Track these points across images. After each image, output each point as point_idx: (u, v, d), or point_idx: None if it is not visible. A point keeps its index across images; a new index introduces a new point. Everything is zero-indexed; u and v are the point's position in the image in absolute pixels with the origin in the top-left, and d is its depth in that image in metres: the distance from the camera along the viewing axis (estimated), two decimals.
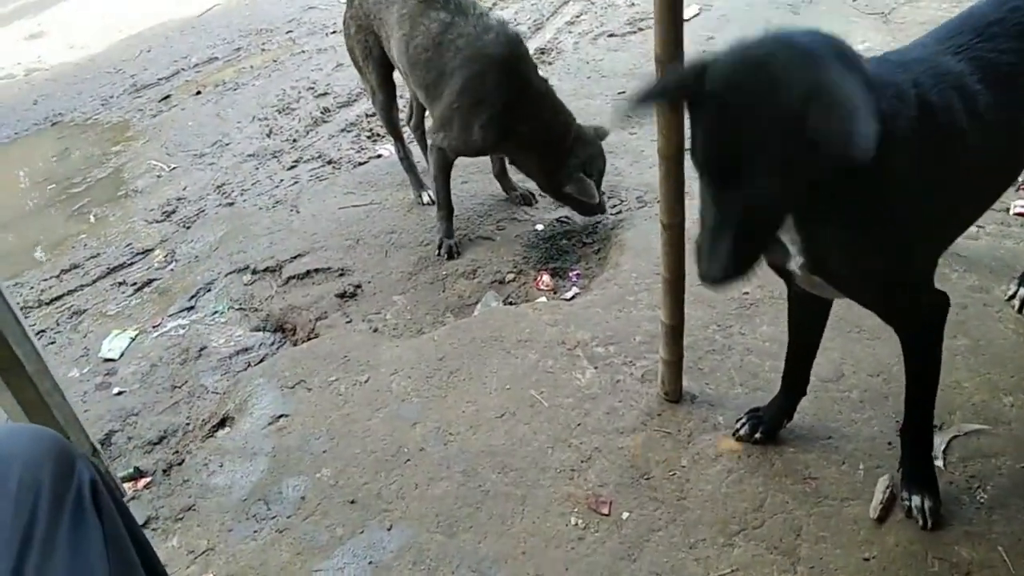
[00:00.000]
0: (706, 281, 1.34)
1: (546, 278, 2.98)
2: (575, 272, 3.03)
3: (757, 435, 2.04)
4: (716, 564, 1.80)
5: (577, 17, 5.17)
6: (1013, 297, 2.36)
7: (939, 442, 1.99)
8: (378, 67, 3.27)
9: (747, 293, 2.53)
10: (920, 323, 1.68)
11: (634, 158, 3.62)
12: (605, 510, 1.95)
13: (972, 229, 2.73)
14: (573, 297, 2.81)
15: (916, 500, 1.81)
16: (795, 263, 1.53)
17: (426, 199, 3.46)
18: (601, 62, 4.60)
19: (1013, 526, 1.79)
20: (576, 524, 1.93)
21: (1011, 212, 2.77)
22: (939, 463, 1.94)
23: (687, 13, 4.96)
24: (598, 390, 2.28)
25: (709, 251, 1.29)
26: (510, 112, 2.81)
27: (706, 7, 5.04)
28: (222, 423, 2.44)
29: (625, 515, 1.93)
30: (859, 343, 2.29)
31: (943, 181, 1.48)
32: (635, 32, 4.91)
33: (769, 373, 2.24)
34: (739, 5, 4.99)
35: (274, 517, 2.06)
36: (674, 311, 1.97)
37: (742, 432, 2.05)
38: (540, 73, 2.98)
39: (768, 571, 1.77)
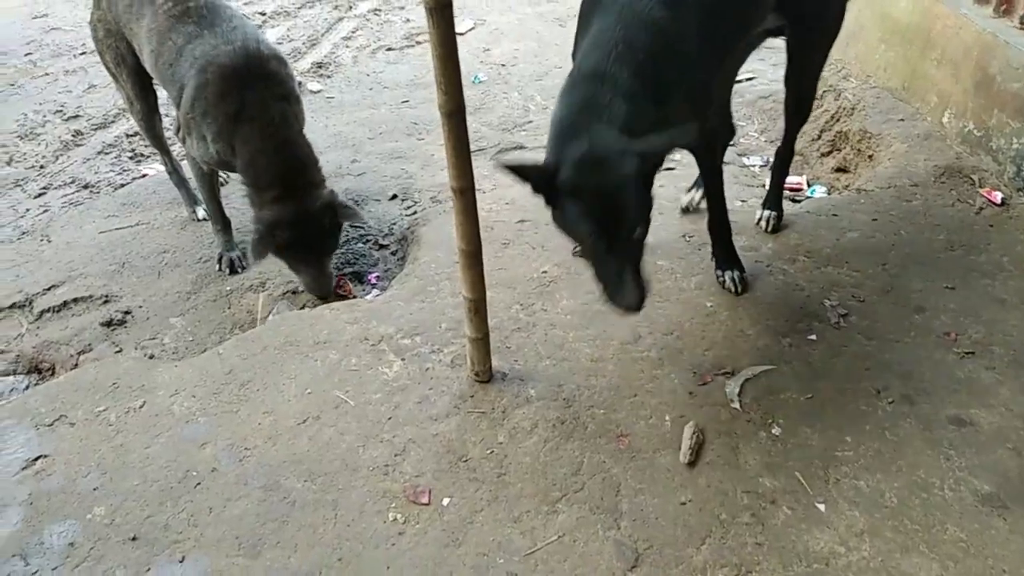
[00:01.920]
0: (632, 310, 1.81)
1: (347, 285, 2.82)
2: (374, 275, 2.91)
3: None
4: (542, 533, 1.75)
5: (353, 33, 5.08)
6: (760, 220, 2.74)
7: (733, 386, 2.10)
8: (133, 75, 2.95)
9: (546, 271, 2.55)
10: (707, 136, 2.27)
11: (424, 162, 3.57)
12: (425, 499, 1.83)
13: (737, 203, 2.97)
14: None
15: (728, 274, 2.41)
16: None
17: (201, 214, 3.17)
18: (382, 74, 4.54)
19: (805, 452, 1.91)
20: (395, 519, 1.80)
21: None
22: (735, 405, 2.04)
23: (463, 27, 5.09)
24: (407, 381, 2.16)
25: (626, 286, 1.77)
26: (237, 128, 2.52)
27: (479, 21, 5.17)
28: None
29: (446, 501, 1.83)
30: (651, 307, 2.36)
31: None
32: (413, 46, 4.91)
33: (573, 343, 2.25)
34: (511, 19, 5.17)
35: (35, 572, 1.72)
36: (475, 284, 1.91)
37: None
38: (294, 95, 2.66)
39: (593, 531, 1.75)
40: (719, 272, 2.44)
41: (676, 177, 3.11)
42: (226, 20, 2.62)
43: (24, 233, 3.25)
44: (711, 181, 2.39)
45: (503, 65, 4.55)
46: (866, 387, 2.07)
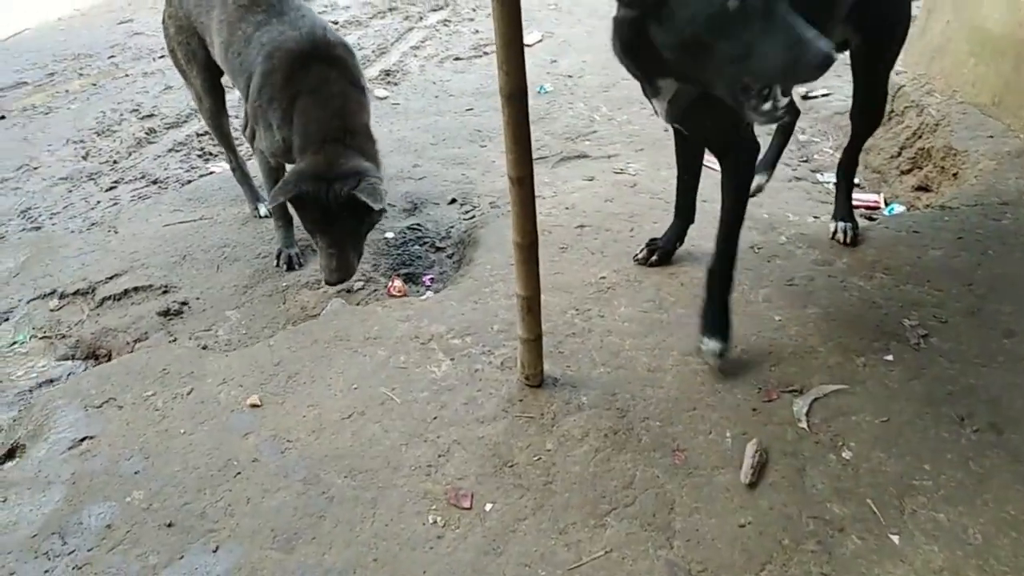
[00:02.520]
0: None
1: (398, 283, 2.78)
2: (428, 277, 2.87)
3: (653, 258, 2.48)
4: (588, 547, 1.64)
5: (422, 42, 5.12)
6: (836, 233, 2.58)
7: (802, 404, 1.96)
8: (203, 71, 3.00)
9: (604, 277, 2.46)
10: (742, 151, 1.99)
11: (485, 168, 3.53)
12: (466, 504, 1.75)
13: (810, 219, 2.84)
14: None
15: (709, 343, 2.06)
16: (662, 117, 1.96)
17: (263, 211, 3.19)
18: (448, 82, 4.54)
19: (879, 478, 1.76)
20: (435, 522, 1.72)
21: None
22: (803, 425, 1.90)
23: (530, 39, 5.07)
24: (455, 382, 2.09)
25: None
26: (297, 104, 2.49)
27: (548, 34, 5.14)
28: (10, 454, 2.04)
29: (488, 507, 1.74)
30: None
31: None
32: (480, 56, 4.91)
33: (630, 351, 2.15)
34: (579, 32, 5.13)
35: (71, 552, 1.70)
36: (529, 281, 1.83)
37: (639, 256, 2.50)
38: (359, 84, 2.62)
39: (643, 548, 1.63)
40: (700, 337, 2.08)
41: None
42: (294, 9, 2.64)
43: (93, 224, 3.33)
44: (730, 207, 2.02)
45: (569, 76, 4.50)
46: (948, 413, 1.90)
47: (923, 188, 3.15)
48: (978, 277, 2.35)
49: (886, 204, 3.12)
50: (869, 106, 2.42)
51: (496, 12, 1.45)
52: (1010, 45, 3.01)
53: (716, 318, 2.07)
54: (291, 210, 2.82)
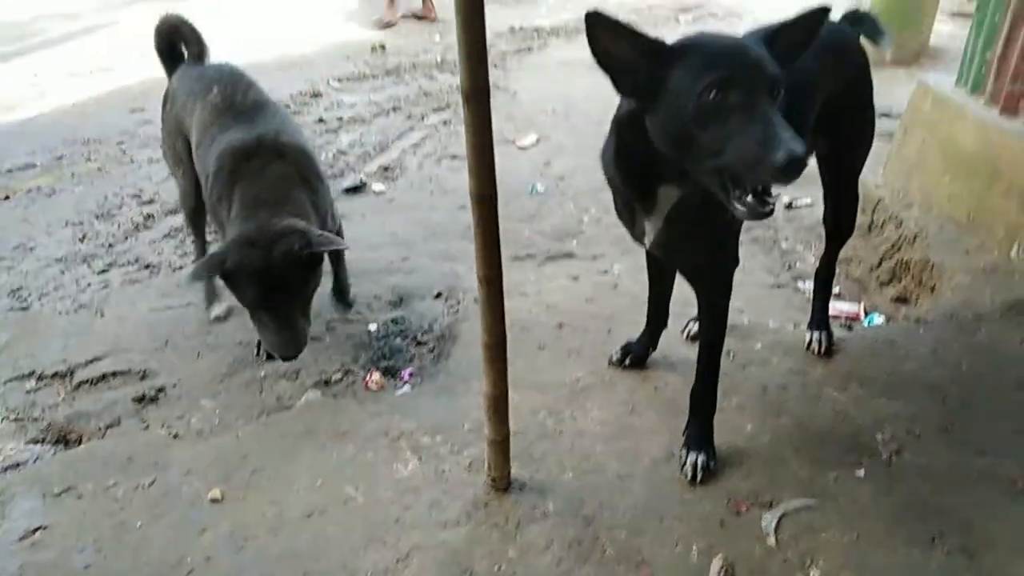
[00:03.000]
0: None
1: (376, 377, 2.78)
2: (408, 371, 2.86)
3: (626, 361, 2.50)
4: None
5: (421, 140, 5.28)
6: (811, 343, 2.59)
7: (770, 519, 1.92)
8: (188, 171, 2.99)
9: (579, 378, 2.46)
10: (724, 288, 2.02)
11: (473, 264, 3.57)
12: None
13: (789, 326, 2.86)
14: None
15: (692, 457, 2.05)
16: (647, 241, 1.95)
17: (215, 313, 3.15)
18: (444, 179, 4.66)
19: None
20: None
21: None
22: (771, 541, 1.87)
23: (527, 141, 5.24)
24: (420, 482, 2.07)
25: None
26: (240, 193, 2.44)
27: (544, 137, 5.31)
28: None
29: None
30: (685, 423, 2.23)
31: None
32: None
33: (600, 456, 2.13)
34: (573, 136, 5.29)
35: None
36: (496, 380, 1.83)
37: (615, 358, 2.52)
38: (310, 176, 2.60)
39: None
40: (684, 451, 2.08)
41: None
42: (266, 116, 2.68)
43: (81, 306, 3.36)
44: (710, 334, 2.07)
45: (561, 178, 4.63)
46: (919, 533, 1.87)
47: (902, 299, 3.18)
48: (952, 392, 2.35)
49: (866, 314, 3.15)
50: (840, 213, 2.48)
51: (467, 120, 1.52)
52: (981, 163, 3.11)
53: (701, 435, 2.09)
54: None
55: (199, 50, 3.04)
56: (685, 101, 1.48)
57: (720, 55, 1.49)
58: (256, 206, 2.38)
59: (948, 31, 6.75)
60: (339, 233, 2.91)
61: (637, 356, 2.51)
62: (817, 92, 2.10)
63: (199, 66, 3.00)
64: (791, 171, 1.38)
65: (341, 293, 3.21)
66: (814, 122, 2.13)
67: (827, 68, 2.10)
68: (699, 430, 2.09)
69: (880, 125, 5.15)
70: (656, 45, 1.53)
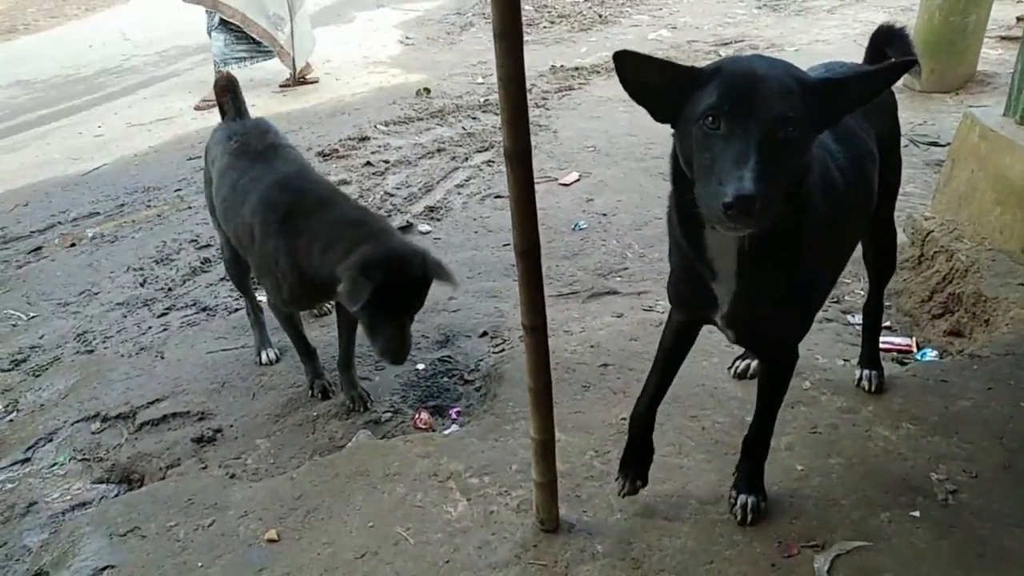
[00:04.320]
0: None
1: (424, 416, 2.83)
2: (455, 410, 2.91)
3: (638, 485, 2.09)
4: None
5: (466, 181, 5.38)
6: (861, 380, 2.54)
7: (823, 561, 1.90)
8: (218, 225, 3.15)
9: (625, 418, 2.46)
10: (793, 355, 1.94)
11: (516, 302, 3.63)
12: None
13: (839, 362, 2.83)
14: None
15: (743, 499, 2.01)
16: (719, 315, 1.75)
17: (264, 358, 3.22)
18: (488, 219, 4.74)
19: None
20: None
21: None
22: None
23: (568, 179, 5.31)
24: (470, 523, 2.10)
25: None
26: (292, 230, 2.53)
27: (586, 174, 5.37)
28: None
29: None
30: (735, 463, 2.22)
31: (838, 236, 1.79)
32: None
33: (648, 497, 2.13)
34: (616, 173, 5.34)
35: None
36: (543, 424, 1.87)
37: (626, 491, 2.08)
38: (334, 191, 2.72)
39: None
40: (733, 492, 2.05)
41: None
42: (280, 159, 2.78)
43: (143, 349, 3.50)
44: (769, 402, 2.00)
45: (604, 214, 4.67)
46: None
47: (955, 333, 3.12)
48: (1009, 430, 2.29)
49: (918, 348, 3.09)
50: (880, 252, 2.46)
51: (510, 179, 1.58)
52: None
53: (752, 476, 2.06)
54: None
55: (237, 109, 3.12)
56: (691, 125, 1.43)
57: (732, 80, 1.39)
58: (357, 227, 2.44)
59: (996, 56, 6.64)
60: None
61: (643, 477, 2.10)
62: (874, 124, 2.07)
63: (232, 123, 3.08)
64: (734, 214, 1.27)
65: (349, 384, 2.95)
66: None
67: (880, 102, 2.08)
68: (750, 472, 2.06)
69: (929, 155, 5.10)
70: (684, 69, 1.46)
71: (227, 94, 3.12)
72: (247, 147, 2.84)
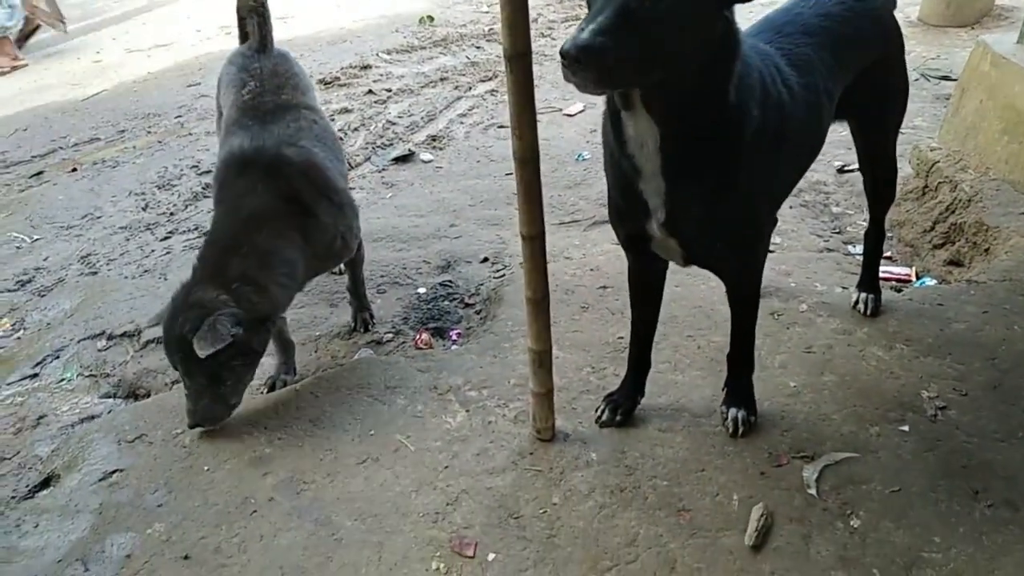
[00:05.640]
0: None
1: (425, 336, 2.87)
2: (455, 332, 2.94)
3: (617, 418, 2.13)
4: None
5: (469, 110, 5.33)
6: (857, 303, 2.57)
7: (812, 471, 1.95)
8: None
9: (622, 337, 2.50)
10: (756, 272, 1.95)
11: (517, 230, 3.63)
12: (470, 552, 1.79)
13: (838, 289, 2.85)
14: None
15: (733, 412, 2.08)
16: (655, 223, 1.72)
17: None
18: (490, 148, 4.71)
19: (886, 549, 1.74)
20: (437, 569, 1.76)
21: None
22: (812, 491, 1.90)
23: (573, 110, 5.25)
24: (468, 432, 2.15)
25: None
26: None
27: (590, 105, 5.30)
28: (45, 483, 2.15)
29: (491, 556, 1.78)
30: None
31: (779, 152, 1.76)
32: None
33: (642, 411, 2.18)
34: None
35: None
36: (540, 335, 1.90)
37: (604, 419, 2.14)
38: (297, 201, 2.34)
39: None
40: (724, 407, 2.11)
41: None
42: (283, 122, 2.47)
43: (146, 271, 3.53)
44: (743, 321, 2.05)
45: None
46: (962, 487, 1.87)
47: (955, 263, 3.12)
48: (1002, 352, 2.32)
49: (917, 277, 3.11)
50: (878, 180, 2.46)
51: (510, 83, 1.56)
52: None
53: (741, 391, 2.12)
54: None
55: (262, 36, 2.83)
56: None
57: None
58: (212, 246, 2.29)
59: None
60: (358, 251, 2.77)
61: (627, 409, 2.15)
62: (853, 57, 2.06)
63: (250, 55, 2.79)
64: (567, 62, 1.31)
65: (358, 306, 2.93)
66: (848, 90, 2.09)
67: (864, 36, 2.08)
68: (739, 387, 2.12)
69: (939, 89, 5.01)
70: None
71: (253, 15, 2.81)
72: (259, 104, 2.55)
